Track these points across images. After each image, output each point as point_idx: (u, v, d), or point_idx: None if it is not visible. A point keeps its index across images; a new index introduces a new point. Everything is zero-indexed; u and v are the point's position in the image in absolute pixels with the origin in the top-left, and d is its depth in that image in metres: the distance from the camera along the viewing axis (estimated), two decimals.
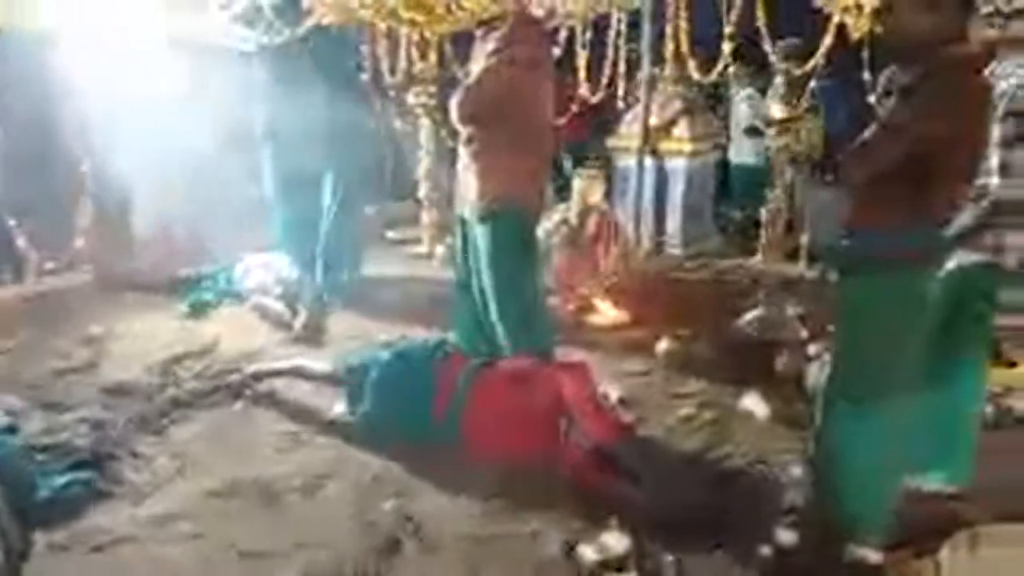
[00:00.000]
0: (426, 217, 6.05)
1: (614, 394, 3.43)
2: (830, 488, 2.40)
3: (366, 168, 5.01)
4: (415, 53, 5.57)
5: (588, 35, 5.53)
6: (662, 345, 3.92)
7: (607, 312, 4.44)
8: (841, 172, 2.36)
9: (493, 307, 3.19)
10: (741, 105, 6.56)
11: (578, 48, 5.51)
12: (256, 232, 5.04)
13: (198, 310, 4.50)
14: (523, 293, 3.16)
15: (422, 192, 6.00)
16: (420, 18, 3.28)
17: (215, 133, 4.54)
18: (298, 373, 3.41)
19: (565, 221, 4.71)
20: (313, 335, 4.17)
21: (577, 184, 4.72)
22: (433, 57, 5.57)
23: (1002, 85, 2.38)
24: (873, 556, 2.32)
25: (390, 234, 6.52)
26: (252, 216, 5.09)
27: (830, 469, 2.39)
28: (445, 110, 3.09)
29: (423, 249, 6.01)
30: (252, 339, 4.10)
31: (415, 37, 5.41)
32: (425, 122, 5.80)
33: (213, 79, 4.52)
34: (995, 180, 2.37)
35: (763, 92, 5.77)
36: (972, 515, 2.39)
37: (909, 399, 2.24)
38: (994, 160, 2.38)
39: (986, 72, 2.35)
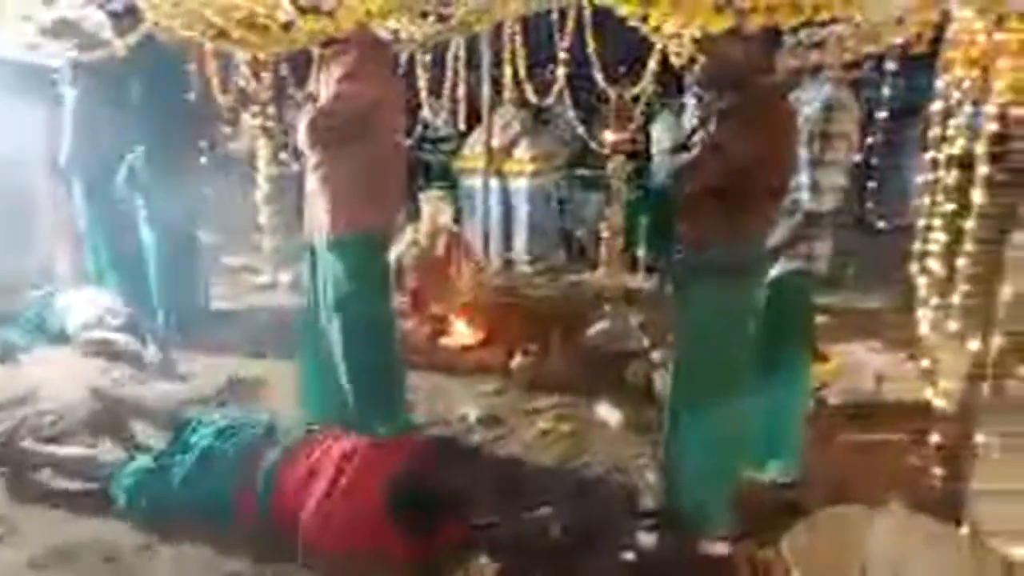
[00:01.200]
0: (267, 244, 5.79)
1: (473, 414, 3.44)
2: (679, 488, 2.54)
3: (197, 195, 4.70)
4: (248, 72, 5.33)
5: (428, 57, 5.57)
6: (516, 361, 3.98)
7: (462, 332, 4.46)
8: (670, 190, 2.55)
9: (339, 346, 2.98)
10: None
11: (419, 71, 5.53)
12: (69, 266, 4.58)
13: (4, 355, 4.00)
14: (375, 331, 2.99)
15: (263, 218, 5.73)
16: (254, 39, 3.13)
17: (18, 159, 4.09)
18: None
19: (416, 242, 4.68)
20: (166, 367, 3.85)
21: (425, 205, 4.72)
22: (268, 78, 5.37)
23: (806, 110, 2.65)
24: (721, 548, 2.48)
25: (228, 260, 6.16)
26: (65, 248, 4.62)
27: (678, 470, 2.53)
28: (285, 132, 2.99)
29: (266, 279, 5.74)
30: (80, 384, 3.71)
31: (248, 57, 5.18)
32: (263, 144, 5.56)
33: (15, 100, 4.08)
34: (805, 195, 2.63)
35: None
36: (807, 502, 2.63)
37: (743, 399, 2.42)
38: (804, 177, 2.64)
39: (792, 98, 2.62)
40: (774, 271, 2.71)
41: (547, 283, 5.77)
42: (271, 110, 5.45)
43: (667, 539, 2.51)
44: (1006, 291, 2.27)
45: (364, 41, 2.84)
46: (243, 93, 5.47)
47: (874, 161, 5.66)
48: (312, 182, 2.93)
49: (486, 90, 5.95)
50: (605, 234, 5.02)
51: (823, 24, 2.46)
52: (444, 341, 4.41)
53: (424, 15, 3.66)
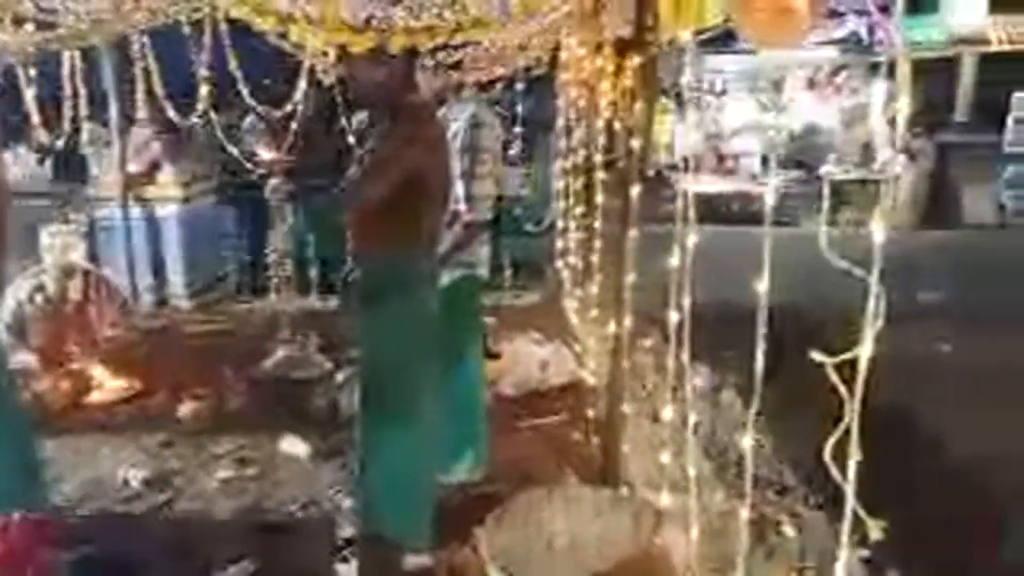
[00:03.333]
0: None
1: (137, 476, 3.03)
2: (376, 509, 2.51)
3: None
4: None
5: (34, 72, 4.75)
6: (184, 408, 3.61)
7: (110, 385, 3.89)
8: (337, 208, 2.52)
9: None
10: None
11: (23, 85, 4.69)
12: None
13: None
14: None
15: None
16: None
17: None
18: None
19: (40, 287, 3.97)
20: None
21: (49, 243, 4.03)
22: None
23: (454, 127, 2.82)
24: (425, 560, 2.51)
25: None
26: None
27: (373, 491, 2.50)
28: None
29: None
30: None
31: None
32: None
33: None
34: (463, 206, 2.79)
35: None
36: (498, 494, 2.78)
37: (428, 405, 2.48)
38: (459, 189, 2.80)
39: (440, 114, 2.77)
40: (444, 279, 2.83)
41: (212, 317, 5.32)
42: None
43: (367, 564, 2.47)
44: (630, 279, 2.64)
45: None
46: None
47: (519, 170, 6.26)
48: None
49: (113, 109, 5.29)
50: (272, 257, 4.79)
51: (457, 47, 2.63)
52: (92, 398, 3.81)
53: (19, 21, 3.10)
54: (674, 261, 2.05)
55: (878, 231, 1.00)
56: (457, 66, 2.96)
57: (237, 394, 3.79)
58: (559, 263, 5.29)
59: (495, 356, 4.31)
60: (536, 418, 3.67)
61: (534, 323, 4.93)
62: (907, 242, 8.67)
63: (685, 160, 7.87)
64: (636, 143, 2.50)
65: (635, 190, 2.56)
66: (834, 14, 10.46)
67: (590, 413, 3.36)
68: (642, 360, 4.02)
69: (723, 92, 11.79)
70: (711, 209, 6.61)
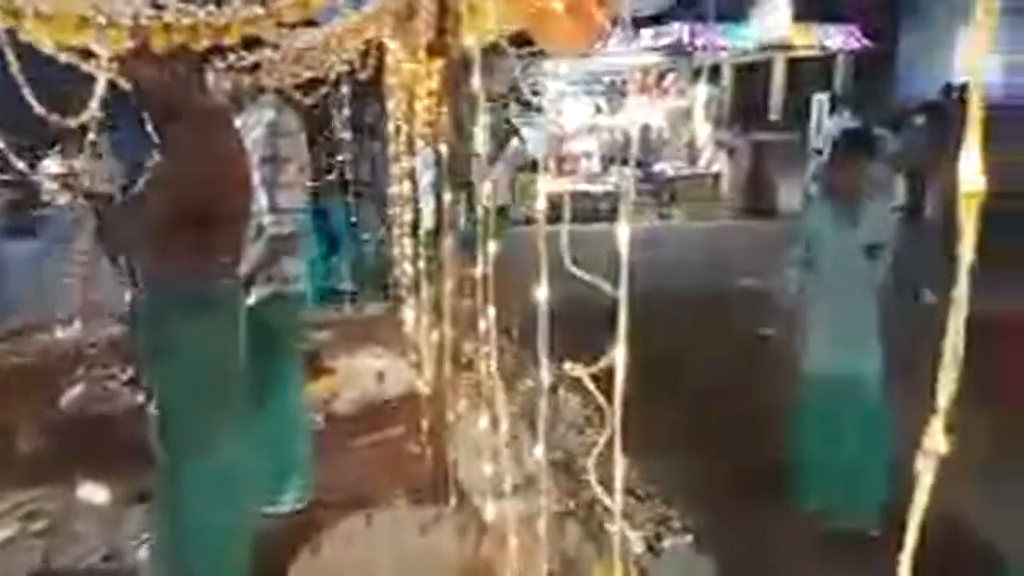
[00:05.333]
0: None
1: None
2: (185, 554, 2.29)
3: None
4: None
5: None
6: None
7: None
8: (118, 225, 2.28)
9: None
10: None
11: None
12: None
13: None
14: None
15: None
16: None
17: None
18: None
19: None
20: None
21: None
22: None
23: (253, 134, 2.63)
24: None
25: None
26: None
27: (180, 535, 2.27)
28: None
29: None
30: None
31: None
32: None
33: None
34: (267, 219, 2.61)
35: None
36: (325, 520, 2.63)
37: (233, 437, 2.29)
38: (263, 200, 2.61)
39: (238, 123, 2.57)
40: (252, 299, 2.63)
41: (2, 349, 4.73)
42: None
43: None
44: (447, 286, 2.58)
45: None
46: None
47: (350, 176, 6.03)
48: None
49: None
50: (71, 280, 4.34)
51: (248, 47, 2.45)
52: None
53: None
54: (479, 269, 2.00)
55: (623, 234, 0.97)
56: (255, 69, 2.77)
57: (27, 438, 3.36)
58: (396, 271, 5.18)
59: (328, 372, 4.13)
60: (373, 433, 3.54)
61: (374, 335, 4.79)
62: (729, 231, 9.34)
63: (534, 163, 8.04)
64: (443, 147, 2.43)
65: (447, 195, 2.50)
66: (657, 21, 11.04)
67: (425, 424, 3.26)
68: (479, 364, 3.98)
69: (560, 95, 12.14)
70: (552, 208, 6.74)
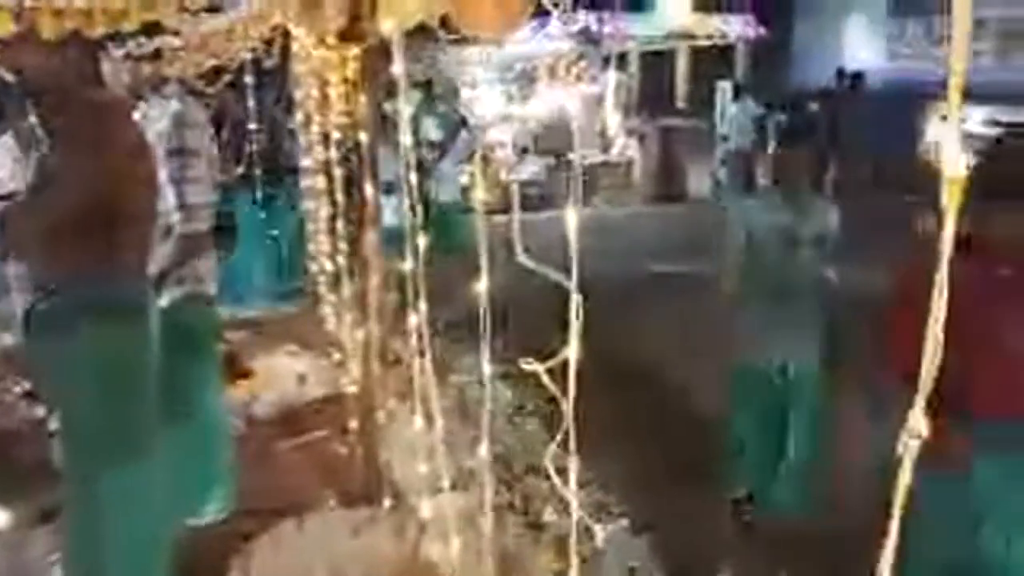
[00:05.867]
0: None
1: None
2: (97, 574, 2.14)
3: None
4: None
5: None
6: None
7: None
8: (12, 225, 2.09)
9: None
10: None
11: None
12: None
13: None
14: None
15: None
16: None
17: None
18: None
19: None
20: None
21: None
22: None
23: (157, 127, 2.48)
24: None
25: None
26: None
27: (93, 556, 2.13)
28: None
29: None
30: None
31: None
32: None
33: None
34: (176, 217, 2.46)
35: None
36: (252, 530, 2.52)
37: (145, 447, 2.15)
38: (170, 198, 2.46)
39: (137, 115, 2.41)
40: (164, 301, 2.49)
41: None
42: None
43: None
44: (373, 281, 2.51)
45: None
46: None
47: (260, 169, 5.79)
48: None
49: None
50: None
51: (148, 34, 2.30)
52: None
53: None
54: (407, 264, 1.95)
55: (571, 222, 0.95)
56: (157, 57, 2.60)
57: None
58: (313, 268, 5.02)
59: (246, 375, 3.97)
60: (297, 436, 3.42)
61: (293, 335, 4.64)
62: (643, 217, 9.54)
63: (441, 152, 7.94)
64: (364, 137, 2.35)
65: (369, 188, 2.42)
66: (565, 10, 11.13)
67: (352, 424, 3.18)
68: (407, 361, 3.91)
69: (474, 84, 12.07)
70: (467, 198, 6.68)
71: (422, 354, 2.17)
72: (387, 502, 2.58)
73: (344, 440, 3.30)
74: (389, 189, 5.11)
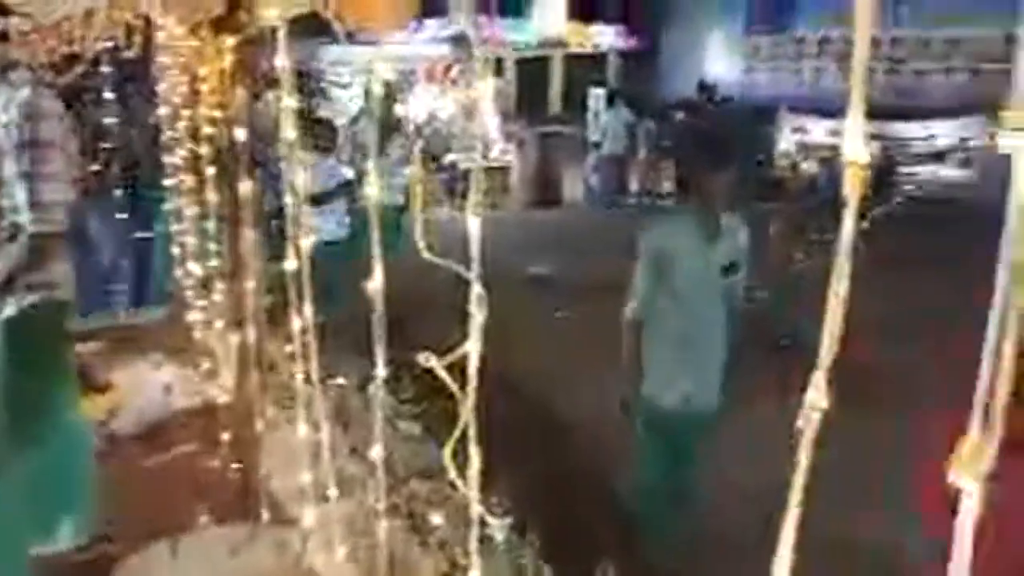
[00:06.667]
0: None
1: None
2: None
3: None
4: None
5: None
6: None
7: None
8: None
9: None
10: None
11: None
12: None
13: None
14: None
15: None
16: None
17: None
18: None
19: None
20: None
21: None
22: None
23: (3, 117, 2.25)
24: None
25: None
26: None
27: None
28: None
29: None
30: None
31: None
32: None
33: None
34: (26, 216, 2.25)
35: None
36: (116, 555, 2.34)
37: (2, 467, 1.96)
38: (20, 195, 2.25)
39: None
40: (9, 310, 2.26)
41: None
42: None
43: None
44: (249, 284, 2.40)
45: None
46: None
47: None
48: None
49: None
50: None
51: None
52: None
53: None
54: (290, 264, 1.88)
55: (473, 222, 0.94)
56: (3, 39, 2.36)
57: None
58: (178, 271, 4.73)
59: (103, 389, 3.68)
60: (164, 452, 3.20)
61: (155, 343, 4.34)
62: (520, 221, 9.69)
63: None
64: (241, 133, 2.24)
65: (246, 185, 2.31)
66: (440, 13, 11.14)
67: (225, 436, 3.01)
68: (285, 367, 3.77)
69: (348, 84, 11.81)
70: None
71: (305, 359, 2.10)
72: (266, 515, 2.47)
73: (217, 453, 3.12)
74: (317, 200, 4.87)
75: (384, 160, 5.78)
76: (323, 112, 8.43)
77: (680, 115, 10.80)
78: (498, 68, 12.35)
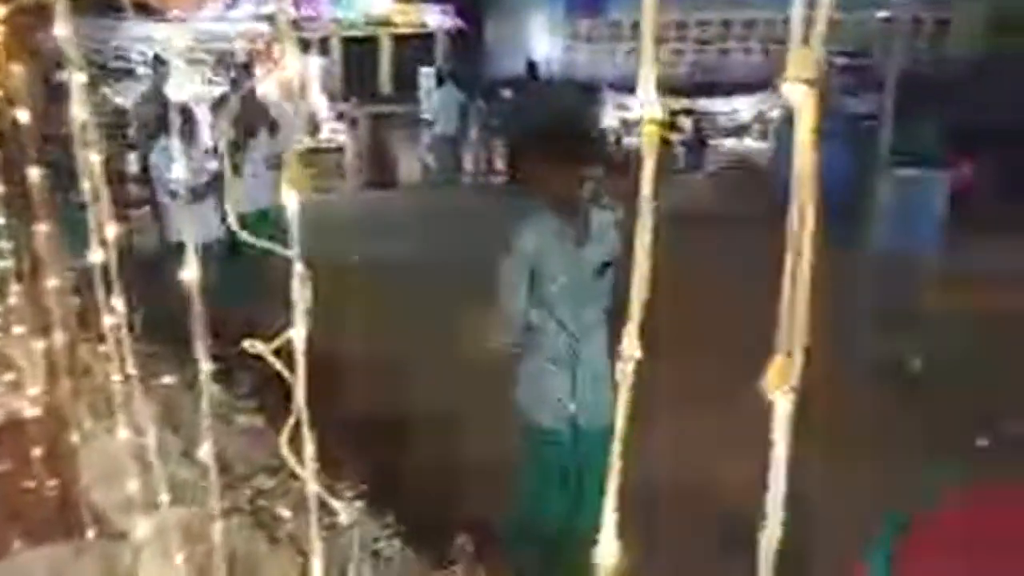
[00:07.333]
0: None
1: None
2: None
3: None
4: None
5: None
6: None
7: None
8: None
9: None
10: None
11: None
12: None
13: None
14: None
15: None
16: None
17: None
18: None
19: None
20: None
21: None
22: None
23: None
24: None
25: None
26: None
27: None
28: None
29: None
30: None
31: None
32: None
33: None
34: None
35: None
36: None
37: None
38: None
39: None
40: None
41: None
42: None
43: None
44: (51, 283, 2.18)
45: None
46: None
47: None
48: None
49: None
50: None
51: None
52: None
53: None
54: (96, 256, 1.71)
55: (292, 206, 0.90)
56: None
57: None
58: None
59: None
60: None
61: None
62: (354, 203, 9.48)
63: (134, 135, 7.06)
64: (23, 115, 2.01)
65: (35, 173, 2.07)
66: None
67: (36, 451, 2.73)
68: (102, 371, 3.46)
69: (163, 62, 10.88)
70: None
71: (121, 360, 1.94)
72: (91, 532, 2.28)
73: (29, 472, 2.82)
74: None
75: (249, 154, 5.39)
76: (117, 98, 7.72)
77: (507, 93, 10.99)
78: (323, 47, 11.91)
